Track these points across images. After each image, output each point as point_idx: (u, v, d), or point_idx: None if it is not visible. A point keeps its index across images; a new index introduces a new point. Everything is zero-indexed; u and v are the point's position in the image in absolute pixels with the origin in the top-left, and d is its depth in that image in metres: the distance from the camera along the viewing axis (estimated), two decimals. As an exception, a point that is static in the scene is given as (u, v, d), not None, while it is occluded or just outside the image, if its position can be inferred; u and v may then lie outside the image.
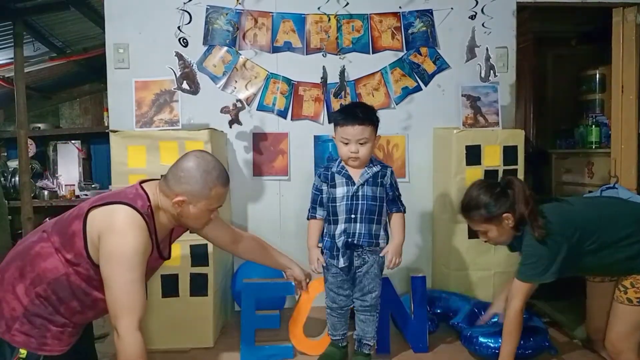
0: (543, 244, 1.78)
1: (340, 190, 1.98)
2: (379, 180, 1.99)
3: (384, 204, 2.00)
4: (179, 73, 2.60)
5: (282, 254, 2.01)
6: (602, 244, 1.80)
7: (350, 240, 1.95)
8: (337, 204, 1.97)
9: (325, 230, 2.03)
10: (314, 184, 2.06)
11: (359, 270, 1.99)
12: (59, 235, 1.48)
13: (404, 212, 2.05)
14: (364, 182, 1.97)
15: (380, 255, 1.99)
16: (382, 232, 2.00)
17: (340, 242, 1.96)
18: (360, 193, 1.97)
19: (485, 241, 1.97)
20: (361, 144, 1.94)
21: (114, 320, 1.42)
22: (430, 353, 2.14)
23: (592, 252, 1.81)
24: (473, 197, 1.89)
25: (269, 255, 1.98)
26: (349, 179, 1.98)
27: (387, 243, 2.01)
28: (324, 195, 2.02)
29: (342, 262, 1.96)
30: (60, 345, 1.47)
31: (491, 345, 1.98)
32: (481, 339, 2.02)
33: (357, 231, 1.95)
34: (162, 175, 1.60)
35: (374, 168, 2.00)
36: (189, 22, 2.63)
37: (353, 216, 1.95)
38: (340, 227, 1.96)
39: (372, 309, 2.01)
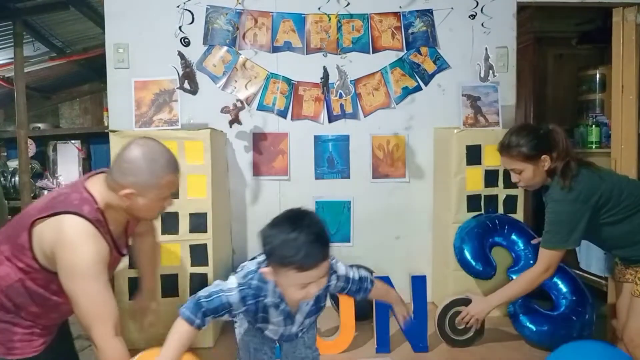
0: (565, 209, 1.85)
1: (274, 327, 1.48)
2: (321, 304, 1.53)
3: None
4: (181, 73, 2.60)
5: (152, 275, 1.90)
6: (620, 217, 1.88)
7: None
8: (267, 331, 1.51)
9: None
10: (226, 299, 1.38)
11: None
12: (8, 244, 1.42)
13: (373, 283, 1.59)
14: (305, 316, 1.50)
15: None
16: None
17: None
18: (301, 328, 1.53)
19: (516, 182, 2.01)
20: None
21: (88, 332, 1.36)
22: (431, 352, 2.14)
23: (610, 224, 1.88)
24: (516, 135, 1.96)
25: (146, 267, 1.86)
26: (289, 317, 1.46)
27: None
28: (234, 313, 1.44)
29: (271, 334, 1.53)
30: (31, 347, 1.43)
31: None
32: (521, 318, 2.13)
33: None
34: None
35: None
36: (192, 22, 2.63)
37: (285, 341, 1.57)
38: (267, 335, 1.52)
39: None
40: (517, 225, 2.41)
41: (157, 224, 2.18)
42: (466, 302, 2.13)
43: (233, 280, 1.41)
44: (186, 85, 2.56)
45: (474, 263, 2.32)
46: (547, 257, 1.93)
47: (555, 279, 2.21)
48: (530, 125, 2.06)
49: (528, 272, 2.00)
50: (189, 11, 2.62)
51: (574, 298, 2.17)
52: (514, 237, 2.37)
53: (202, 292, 1.42)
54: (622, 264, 2.06)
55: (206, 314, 1.39)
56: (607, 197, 1.87)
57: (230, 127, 2.67)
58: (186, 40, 2.63)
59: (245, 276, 1.39)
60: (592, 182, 1.88)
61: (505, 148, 1.99)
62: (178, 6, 2.61)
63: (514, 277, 2.28)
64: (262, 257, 1.41)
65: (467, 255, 2.34)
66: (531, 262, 2.25)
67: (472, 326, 2.11)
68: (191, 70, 2.60)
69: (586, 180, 1.87)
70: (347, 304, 2.13)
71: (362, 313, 2.18)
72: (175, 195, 2.18)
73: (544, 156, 1.91)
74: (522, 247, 2.34)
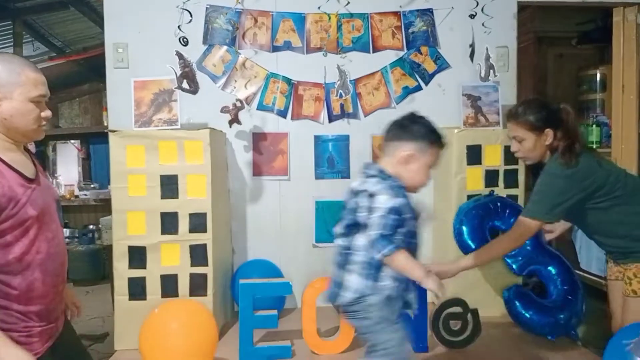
0: (558, 184, 1.85)
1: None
2: None
3: None
4: (179, 72, 2.59)
5: None
6: (608, 204, 1.87)
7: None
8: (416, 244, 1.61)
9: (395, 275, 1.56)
10: (392, 206, 1.51)
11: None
12: None
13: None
14: None
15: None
16: None
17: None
18: None
19: (515, 152, 2.03)
20: None
21: None
22: (431, 352, 2.13)
23: (597, 210, 1.88)
24: (526, 105, 1.99)
25: None
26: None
27: None
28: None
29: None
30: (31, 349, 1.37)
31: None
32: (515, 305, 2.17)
33: None
34: None
35: None
36: (190, 21, 2.62)
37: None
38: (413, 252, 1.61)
39: None
40: (518, 210, 2.39)
41: (156, 222, 2.18)
42: (457, 302, 2.13)
43: (385, 198, 1.51)
44: (185, 85, 2.55)
45: (470, 242, 2.30)
46: (522, 226, 1.92)
47: (549, 267, 2.24)
48: (542, 99, 2.11)
49: (499, 239, 2.03)
50: (188, 11, 2.62)
51: (565, 287, 2.19)
52: (513, 221, 2.35)
53: (374, 231, 1.49)
54: (612, 260, 2.06)
55: (393, 235, 1.50)
56: (602, 182, 1.86)
57: (230, 127, 2.67)
58: (184, 39, 2.62)
59: (390, 187, 1.55)
60: (590, 165, 1.88)
61: (513, 115, 2.02)
62: (177, 6, 2.61)
63: (510, 261, 2.29)
64: (377, 176, 1.59)
65: (465, 235, 2.32)
66: (528, 247, 2.25)
67: (467, 326, 2.10)
68: (190, 70, 2.59)
69: (584, 162, 1.88)
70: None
71: (362, 313, 2.18)
72: (175, 193, 2.18)
73: (547, 130, 1.93)
74: None
